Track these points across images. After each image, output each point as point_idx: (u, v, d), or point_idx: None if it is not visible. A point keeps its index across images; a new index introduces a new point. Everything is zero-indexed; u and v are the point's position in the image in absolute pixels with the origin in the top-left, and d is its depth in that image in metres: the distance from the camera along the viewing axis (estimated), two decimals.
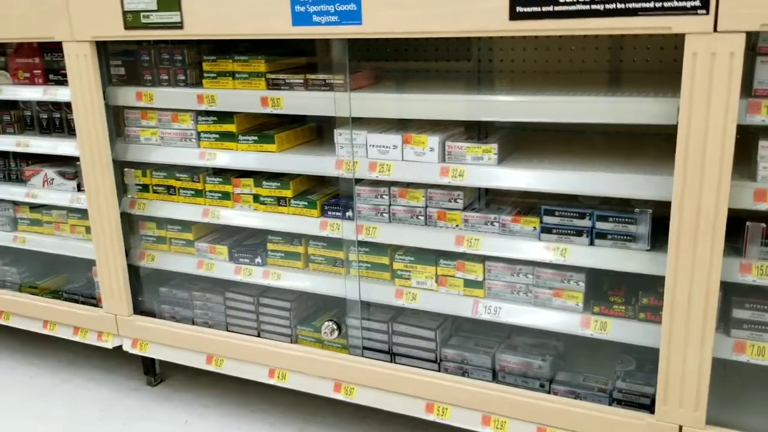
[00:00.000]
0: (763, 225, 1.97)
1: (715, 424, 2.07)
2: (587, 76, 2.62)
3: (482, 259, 2.42)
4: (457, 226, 2.43)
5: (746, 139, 2.02)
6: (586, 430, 2.21)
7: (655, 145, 2.41)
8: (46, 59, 3.02)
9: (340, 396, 2.63)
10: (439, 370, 2.53)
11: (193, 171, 2.90)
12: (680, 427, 2.08)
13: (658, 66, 2.55)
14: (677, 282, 1.99)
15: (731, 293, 2.07)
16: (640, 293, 2.18)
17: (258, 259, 2.82)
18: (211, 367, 2.89)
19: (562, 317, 2.30)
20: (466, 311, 2.44)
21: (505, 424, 2.34)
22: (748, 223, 1.98)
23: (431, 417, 2.47)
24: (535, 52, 2.74)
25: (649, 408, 2.18)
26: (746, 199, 1.94)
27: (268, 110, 2.55)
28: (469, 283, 2.45)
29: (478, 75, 2.85)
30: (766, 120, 1.89)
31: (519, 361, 2.44)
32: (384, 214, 2.53)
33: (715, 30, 1.81)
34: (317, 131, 2.93)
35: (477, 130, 2.55)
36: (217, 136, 2.75)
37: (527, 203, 2.48)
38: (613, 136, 2.62)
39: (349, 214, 2.58)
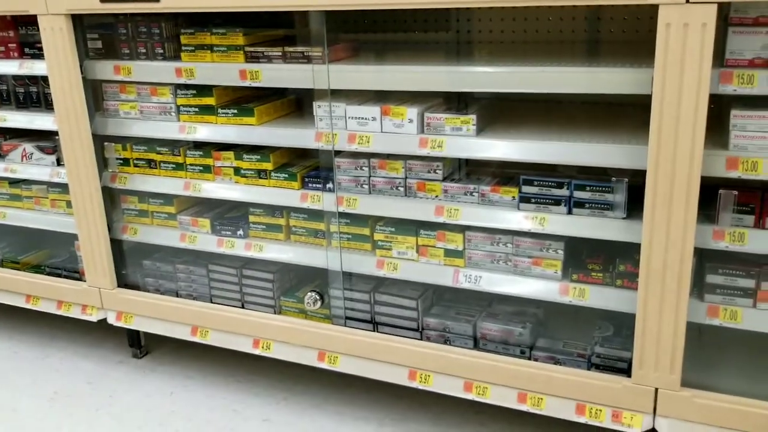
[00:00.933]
0: (735, 192, 2.02)
1: (689, 386, 2.14)
2: (566, 46, 2.64)
3: (462, 229, 2.45)
4: (436, 196, 2.45)
5: (719, 108, 2.07)
6: (565, 394, 2.27)
7: (632, 114, 2.45)
8: (21, 33, 2.97)
9: (324, 365, 2.67)
10: (421, 339, 2.58)
11: (173, 145, 2.89)
12: (656, 390, 2.15)
13: (635, 36, 2.57)
14: (652, 249, 2.03)
15: (705, 259, 2.13)
16: (617, 260, 2.24)
17: (240, 232, 2.84)
18: (197, 339, 2.92)
19: (542, 285, 2.35)
20: (446, 280, 2.48)
21: (486, 389, 2.40)
22: (720, 191, 2.03)
23: (414, 384, 2.52)
24: (514, 23, 2.74)
25: (627, 372, 2.24)
26: (719, 167, 1.99)
27: (247, 83, 2.55)
28: (450, 253, 2.49)
29: (458, 46, 2.86)
30: (738, 89, 1.92)
31: (500, 329, 2.49)
32: (364, 186, 2.55)
33: (687, 1, 1.83)
34: (297, 104, 2.92)
35: (456, 102, 2.57)
36: (196, 109, 2.74)
37: (507, 173, 2.51)
38: (592, 106, 2.65)
39: (329, 186, 2.60)
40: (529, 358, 2.41)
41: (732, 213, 2.04)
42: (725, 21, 1.93)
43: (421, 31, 2.90)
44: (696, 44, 1.85)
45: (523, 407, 2.32)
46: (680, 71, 1.88)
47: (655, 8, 1.88)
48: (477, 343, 2.52)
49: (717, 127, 2.05)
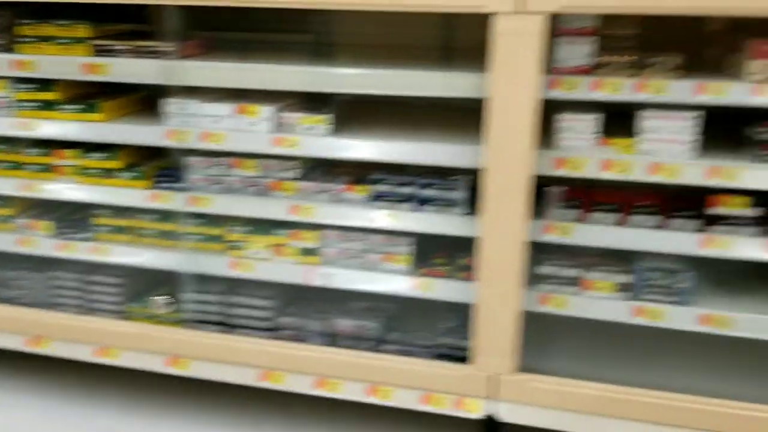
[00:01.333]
0: (563, 189, 2.20)
1: (526, 370, 2.28)
2: (422, 51, 2.75)
3: (317, 227, 2.50)
4: (291, 195, 2.48)
5: (549, 111, 2.24)
6: (412, 384, 2.36)
7: (478, 116, 2.60)
8: None
9: (172, 370, 2.60)
10: (277, 339, 2.59)
11: (11, 142, 2.73)
12: (495, 376, 2.28)
13: (483, 43, 2.74)
14: (488, 242, 2.17)
15: (536, 251, 2.29)
16: (460, 254, 2.36)
17: (84, 234, 2.71)
18: (35, 350, 2.74)
19: (393, 280, 2.42)
20: (301, 279, 2.50)
21: (337, 385, 2.44)
22: (548, 188, 2.21)
23: (267, 384, 2.52)
24: (372, 27, 2.83)
25: (469, 360, 2.36)
26: (548, 166, 2.16)
27: (92, 77, 2.45)
28: (305, 252, 2.51)
29: (317, 47, 2.91)
30: (564, 95, 2.10)
31: (353, 325, 2.55)
32: (218, 185, 2.53)
33: (520, 11, 1.99)
34: (151, 101, 2.85)
35: (314, 102, 2.61)
36: (38, 104, 2.60)
37: (361, 172, 2.58)
38: (443, 108, 2.78)
39: (181, 185, 2.55)
40: (381, 352, 2.49)
41: (559, 208, 2.22)
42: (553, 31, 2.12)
43: (280, 31, 2.92)
44: (527, 52, 2.01)
45: (373, 400, 2.39)
46: (513, 77, 2.04)
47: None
48: (332, 340, 2.57)
49: (547, 129, 2.22)
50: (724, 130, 2.29)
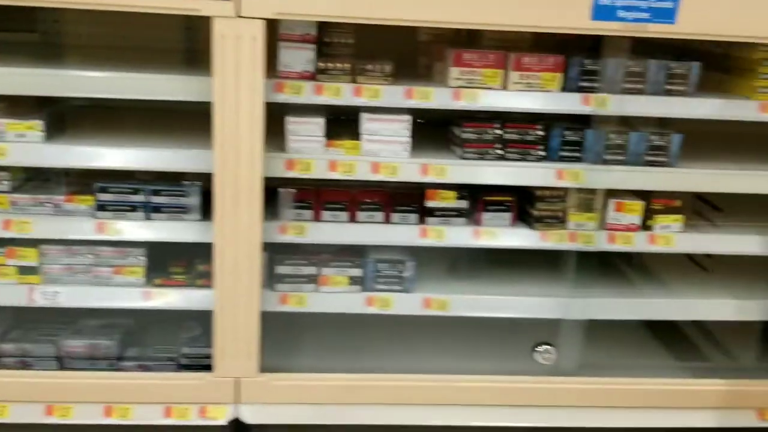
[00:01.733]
0: (294, 190, 2.26)
1: (268, 370, 2.31)
2: (157, 54, 2.63)
3: (36, 243, 2.29)
4: (4, 209, 2.25)
5: (279, 114, 2.28)
6: (153, 399, 2.27)
7: (209, 120, 2.57)
8: None
9: None
10: None
11: None
12: (238, 379, 2.28)
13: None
14: (224, 247, 2.16)
15: (274, 252, 2.33)
16: (196, 261, 2.32)
17: None
18: None
19: (126, 293, 2.30)
20: (20, 300, 2.27)
21: (69, 410, 2.26)
22: (280, 190, 2.25)
23: None
24: (105, 28, 2.65)
25: (213, 368, 2.33)
26: (279, 168, 2.20)
27: None
28: (24, 270, 2.28)
29: (44, 48, 2.66)
30: (290, 99, 2.16)
31: (86, 345, 2.37)
32: None
33: (238, 15, 1.99)
34: None
35: (28, 106, 2.39)
36: None
37: (86, 181, 2.41)
38: (173, 112, 2.68)
39: None
40: (118, 370, 2.36)
41: (292, 209, 2.28)
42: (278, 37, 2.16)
43: (2, 30, 2.62)
44: (248, 56, 2.02)
45: (110, 420, 2.26)
46: (236, 80, 2.03)
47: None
48: (62, 363, 2.37)
49: (278, 132, 2.25)
50: (439, 130, 2.53)
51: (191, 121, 2.61)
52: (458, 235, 2.33)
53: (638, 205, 2.34)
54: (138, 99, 2.17)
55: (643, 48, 2.25)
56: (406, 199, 2.33)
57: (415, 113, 2.26)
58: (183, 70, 2.29)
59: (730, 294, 2.49)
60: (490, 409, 2.38)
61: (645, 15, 2.07)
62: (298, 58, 2.18)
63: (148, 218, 2.26)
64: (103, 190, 2.24)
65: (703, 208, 2.54)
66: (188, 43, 2.71)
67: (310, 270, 2.33)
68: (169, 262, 2.36)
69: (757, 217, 2.54)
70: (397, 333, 2.69)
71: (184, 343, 2.40)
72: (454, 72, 2.17)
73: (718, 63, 2.45)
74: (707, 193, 2.53)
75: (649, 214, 2.35)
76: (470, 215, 2.37)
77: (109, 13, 2.63)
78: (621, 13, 2.06)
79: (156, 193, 2.25)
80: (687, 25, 2.08)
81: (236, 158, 2.09)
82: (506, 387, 2.37)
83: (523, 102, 2.21)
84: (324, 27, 2.20)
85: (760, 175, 2.32)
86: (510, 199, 2.35)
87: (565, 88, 2.21)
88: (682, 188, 2.33)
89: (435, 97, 2.16)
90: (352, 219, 2.32)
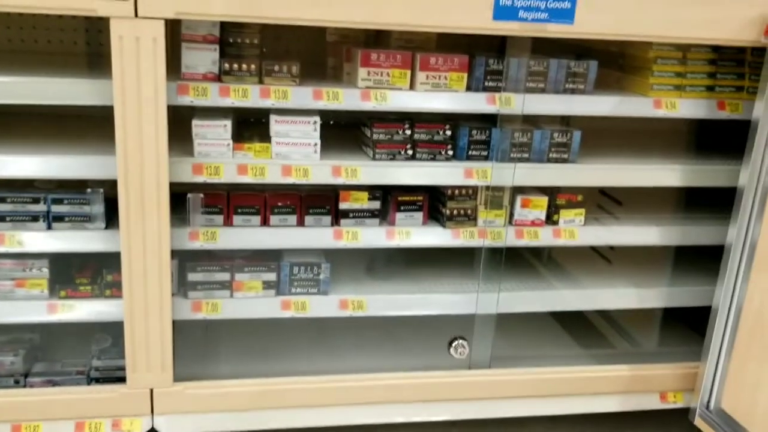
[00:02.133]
0: (202, 195, 2.22)
1: (184, 379, 2.26)
2: (62, 57, 2.53)
3: None
4: None
5: (185, 117, 2.23)
6: (63, 415, 2.18)
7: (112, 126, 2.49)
8: None
9: None
10: None
11: None
12: (151, 390, 2.22)
13: None
14: (131, 255, 2.10)
15: (185, 259, 2.28)
16: (104, 271, 2.25)
17: None
18: None
19: (30, 307, 2.21)
20: None
21: None
22: (189, 195, 2.20)
23: None
24: (8, 31, 2.53)
25: (126, 380, 2.27)
26: (186, 173, 2.15)
27: None
28: None
29: None
30: (195, 101, 2.11)
31: None
32: None
33: (136, 15, 1.93)
34: None
35: None
36: None
37: None
38: (76, 118, 2.60)
39: None
40: (25, 386, 2.26)
41: (202, 214, 2.24)
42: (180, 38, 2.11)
43: None
44: (149, 57, 1.96)
45: None
46: (137, 83, 1.97)
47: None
48: None
49: (185, 136, 2.20)
50: (350, 132, 2.54)
51: (96, 126, 2.54)
52: (373, 236, 2.34)
53: (543, 201, 2.41)
54: (37, 104, 2.09)
55: (545, 48, 2.32)
56: (319, 201, 2.32)
57: (325, 115, 2.26)
58: (85, 73, 2.21)
59: (632, 283, 2.61)
60: (408, 405, 2.41)
61: (544, 15, 2.13)
62: (201, 59, 2.13)
63: (50, 228, 2.18)
64: (1, 200, 2.14)
65: (604, 202, 2.66)
66: (91, 46, 2.63)
67: (223, 276, 2.29)
68: (74, 273, 2.28)
69: (654, 209, 2.67)
70: (315, 335, 2.69)
71: (94, 355, 2.32)
72: (362, 73, 2.18)
73: (615, 62, 2.56)
74: (608, 187, 2.65)
75: (553, 210, 2.43)
76: (384, 215, 2.39)
77: (4, 15, 2.53)
78: (522, 14, 2.12)
79: (57, 201, 2.16)
80: (584, 26, 2.15)
81: (140, 164, 2.03)
82: (423, 382, 2.40)
83: (431, 102, 2.23)
84: (228, 27, 2.16)
85: (656, 169, 2.43)
86: (422, 198, 2.39)
87: (471, 88, 2.26)
88: (584, 183, 2.41)
89: (344, 98, 2.16)
90: (265, 223, 2.30)
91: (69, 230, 2.18)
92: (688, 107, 2.36)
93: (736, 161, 2.36)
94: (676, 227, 2.54)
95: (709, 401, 2.38)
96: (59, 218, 2.17)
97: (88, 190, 2.17)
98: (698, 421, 2.40)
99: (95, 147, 2.21)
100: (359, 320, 2.42)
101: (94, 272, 2.27)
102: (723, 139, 2.59)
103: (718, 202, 2.49)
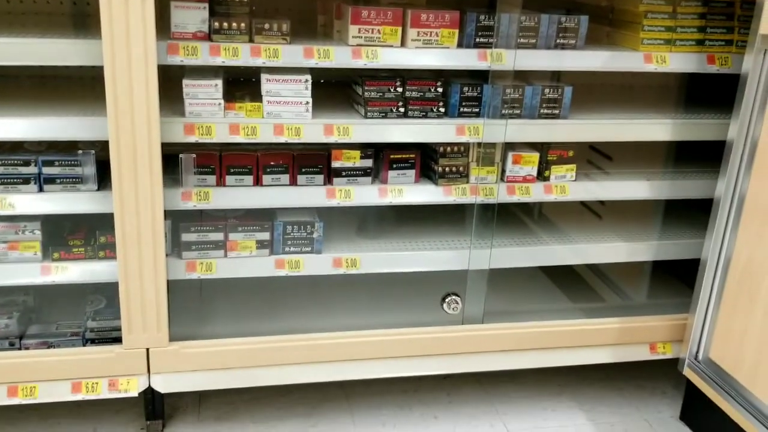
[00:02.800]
0: (194, 155, 2.21)
1: (179, 339, 2.28)
2: (49, 17, 2.48)
3: None
4: None
5: (176, 77, 2.22)
6: (59, 376, 2.20)
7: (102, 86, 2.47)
8: None
9: None
10: None
11: None
12: (147, 350, 2.24)
13: None
14: (124, 216, 2.10)
15: (178, 219, 2.28)
16: (97, 233, 2.25)
17: None
18: None
19: (23, 270, 2.21)
20: None
21: None
22: (181, 155, 2.19)
23: None
24: None
25: (121, 340, 2.28)
26: (177, 133, 2.14)
27: None
28: None
29: None
30: (185, 60, 2.09)
31: None
32: None
33: None
34: None
35: None
36: None
37: None
38: (66, 78, 2.58)
39: None
40: (20, 348, 2.28)
41: (195, 174, 2.23)
42: None
43: None
44: (138, 16, 1.94)
45: (16, 400, 2.18)
46: (126, 43, 1.95)
47: None
48: None
49: (176, 96, 2.18)
50: (341, 90, 2.53)
51: (85, 87, 2.51)
52: (365, 194, 2.35)
53: (535, 156, 2.42)
54: (26, 66, 2.07)
55: (536, 3, 2.31)
56: (311, 160, 2.32)
57: (316, 73, 2.25)
58: (72, 34, 2.18)
59: (622, 237, 2.64)
60: (402, 360, 2.44)
61: None
62: (191, 17, 2.11)
63: (41, 190, 2.17)
64: None
65: (595, 158, 2.68)
66: (78, 6, 2.57)
67: (217, 236, 2.30)
68: (67, 235, 2.28)
69: (644, 164, 2.70)
70: (309, 293, 2.71)
71: (89, 316, 2.33)
72: (353, 30, 2.16)
73: (605, 17, 2.55)
74: (598, 142, 2.66)
75: (545, 165, 2.45)
76: (376, 174, 2.40)
77: None
78: None
79: (48, 164, 2.15)
80: None
81: (131, 125, 2.02)
82: (417, 338, 2.43)
83: (423, 59, 2.23)
84: None
85: (646, 124, 2.44)
86: (414, 156, 2.39)
87: (462, 45, 2.25)
88: (575, 139, 2.42)
89: (335, 56, 2.14)
90: (258, 182, 2.29)
91: (61, 192, 2.17)
92: (678, 61, 2.37)
93: (725, 115, 2.39)
94: (666, 181, 2.56)
95: (697, 352, 2.44)
96: (51, 180, 2.16)
97: (80, 151, 2.15)
98: (687, 371, 2.45)
99: (86, 108, 2.19)
100: (353, 278, 2.44)
101: (87, 234, 2.27)
102: (712, 93, 2.61)
103: (707, 156, 2.52)
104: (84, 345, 2.29)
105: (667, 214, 2.79)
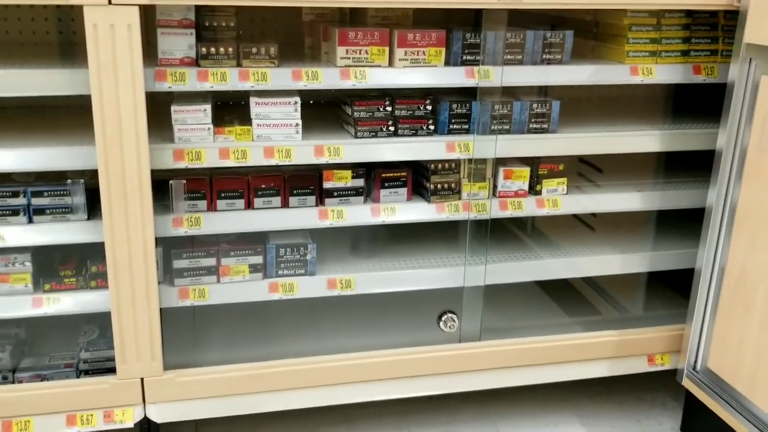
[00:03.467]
0: (185, 181, 2.20)
1: (174, 367, 2.25)
2: (35, 48, 2.48)
3: None
4: None
5: (164, 103, 2.21)
6: (54, 410, 2.17)
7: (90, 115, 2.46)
8: None
9: None
10: None
11: None
12: (142, 380, 2.21)
13: None
14: (115, 245, 2.08)
15: (170, 246, 2.27)
16: (88, 262, 2.22)
17: None
18: None
19: (14, 302, 2.18)
20: None
21: None
22: (171, 181, 2.18)
23: None
24: None
25: (115, 370, 2.25)
26: (167, 159, 2.13)
27: None
28: None
29: None
30: (173, 87, 2.09)
31: None
32: None
33: (110, 2, 1.90)
34: None
35: None
36: None
37: None
38: (51, 109, 2.57)
39: None
40: (13, 382, 2.24)
41: (185, 200, 2.22)
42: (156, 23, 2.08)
43: None
44: (124, 44, 1.94)
45: None
46: (114, 71, 1.95)
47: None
48: None
49: (165, 122, 2.18)
50: (330, 111, 2.53)
51: (73, 116, 2.50)
52: (358, 214, 2.34)
53: (526, 171, 2.42)
54: (12, 97, 2.06)
55: (521, 20, 2.32)
56: (302, 181, 2.31)
57: (305, 95, 2.25)
58: (59, 63, 2.17)
59: (616, 249, 2.64)
60: (401, 381, 2.42)
61: None
62: (178, 44, 2.11)
63: (30, 222, 2.15)
64: None
65: (585, 171, 2.68)
66: (64, 35, 2.57)
67: (209, 261, 2.28)
68: (58, 265, 2.25)
69: (634, 175, 2.70)
70: (304, 316, 2.69)
71: (82, 347, 2.31)
72: (341, 51, 2.17)
73: (590, 31, 2.57)
74: (588, 155, 2.67)
75: (536, 180, 2.45)
76: (368, 193, 2.39)
77: None
78: None
79: (37, 194, 2.13)
80: None
81: (120, 153, 2.01)
82: (414, 358, 2.41)
83: (411, 78, 2.23)
84: (203, 11, 2.14)
85: (634, 135, 2.45)
86: (405, 174, 2.39)
87: (450, 63, 2.26)
88: (565, 152, 2.43)
89: (324, 78, 2.15)
90: (249, 206, 2.28)
91: (51, 223, 2.15)
92: (664, 72, 2.38)
93: (713, 124, 2.40)
94: (657, 192, 2.57)
95: (695, 362, 2.43)
96: (40, 211, 2.15)
97: (69, 181, 2.14)
98: (686, 382, 2.44)
99: (74, 137, 2.18)
100: (348, 299, 2.43)
101: (78, 264, 2.25)
102: (699, 103, 2.62)
103: (697, 166, 2.53)
104: (78, 377, 2.27)
105: (659, 224, 2.80)
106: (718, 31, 2.42)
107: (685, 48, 2.39)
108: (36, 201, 2.14)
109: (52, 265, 2.26)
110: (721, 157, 2.26)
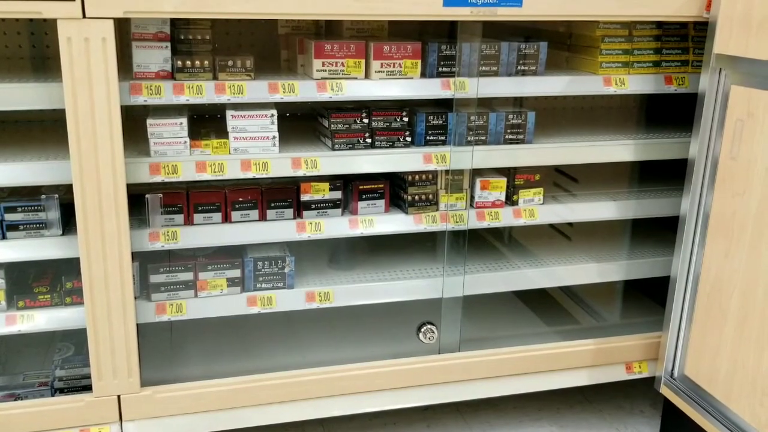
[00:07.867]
0: (161, 195, 2.18)
1: (151, 384, 2.23)
2: (7, 62, 2.45)
3: None
4: None
5: (140, 116, 2.20)
6: (29, 428, 2.12)
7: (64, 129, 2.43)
8: None
9: None
10: None
11: None
12: (119, 397, 2.18)
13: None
14: (91, 260, 2.05)
15: (146, 261, 2.24)
16: (63, 278, 2.19)
17: None
18: None
19: None
20: None
21: None
22: (147, 195, 2.16)
23: None
24: None
25: (91, 388, 2.21)
26: (143, 173, 2.11)
27: None
28: None
29: None
30: (148, 100, 2.08)
31: None
32: None
33: (84, 16, 1.89)
34: None
35: None
36: None
37: None
38: (24, 123, 2.54)
39: None
40: None
41: (162, 214, 2.20)
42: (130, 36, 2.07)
43: None
44: (99, 58, 1.92)
45: None
46: (88, 84, 1.93)
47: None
48: None
49: (141, 136, 2.17)
50: (306, 123, 2.53)
51: (47, 131, 2.48)
52: (336, 226, 2.34)
53: (502, 182, 2.44)
54: None
55: (495, 32, 2.35)
56: (280, 194, 2.31)
57: (281, 107, 2.25)
58: (32, 77, 2.15)
59: (592, 258, 2.66)
60: (381, 393, 2.41)
61: None
62: (153, 57, 2.10)
63: (4, 238, 2.11)
64: None
65: (561, 181, 2.71)
66: (37, 49, 2.55)
67: (187, 276, 2.26)
68: (32, 282, 2.22)
69: (610, 184, 2.73)
70: (283, 329, 2.68)
71: (57, 365, 2.27)
72: (317, 64, 2.17)
73: (564, 42, 2.60)
74: (564, 165, 2.70)
75: (513, 190, 2.47)
76: (346, 205, 2.39)
77: None
78: None
79: (10, 210, 2.10)
80: (533, 8, 2.19)
81: (95, 167, 1.99)
82: (394, 370, 2.40)
83: (387, 90, 2.24)
84: (178, 24, 2.14)
85: (609, 145, 2.48)
86: (383, 186, 2.39)
87: (425, 74, 2.28)
88: (540, 163, 2.45)
89: (300, 90, 2.15)
90: (227, 219, 2.27)
91: (24, 239, 2.12)
92: (637, 83, 2.42)
93: (685, 134, 2.44)
94: (632, 201, 2.60)
95: (673, 369, 2.45)
96: (13, 227, 2.11)
97: (43, 196, 2.11)
98: (663, 389, 2.46)
99: (48, 151, 2.16)
100: (327, 311, 2.42)
101: (52, 280, 2.22)
102: (672, 113, 2.66)
103: (671, 175, 2.57)
104: (53, 395, 2.23)
105: (635, 233, 2.83)
106: (689, 42, 2.46)
107: (656, 59, 2.44)
108: (9, 216, 2.11)
109: (26, 282, 2.22)
110: (693, 165, 2.29)
